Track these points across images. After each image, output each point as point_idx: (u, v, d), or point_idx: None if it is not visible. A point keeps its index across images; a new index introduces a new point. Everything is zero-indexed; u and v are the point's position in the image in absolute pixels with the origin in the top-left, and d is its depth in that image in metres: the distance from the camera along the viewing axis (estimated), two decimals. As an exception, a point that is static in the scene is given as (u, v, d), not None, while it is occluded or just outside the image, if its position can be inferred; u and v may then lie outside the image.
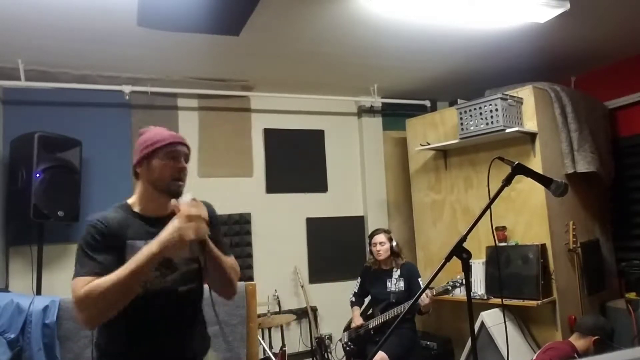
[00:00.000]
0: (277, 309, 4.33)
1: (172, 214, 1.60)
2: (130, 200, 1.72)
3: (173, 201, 1.66)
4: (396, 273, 3.63)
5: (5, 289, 3.49)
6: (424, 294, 3.23)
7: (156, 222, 1.64)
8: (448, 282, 3.37)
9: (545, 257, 3.52)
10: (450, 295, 3.93)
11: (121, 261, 1.53)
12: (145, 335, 1.65)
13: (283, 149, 4.67)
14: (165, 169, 1.66)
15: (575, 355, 2.76)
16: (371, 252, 3.74)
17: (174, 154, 1.68)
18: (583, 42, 3.83)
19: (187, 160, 1.74)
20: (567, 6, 2.97)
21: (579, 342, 2.82)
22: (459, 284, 3.37)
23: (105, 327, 1.64)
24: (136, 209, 1.69)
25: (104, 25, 3.02)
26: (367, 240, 4.00)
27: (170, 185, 1.66)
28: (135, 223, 1.65)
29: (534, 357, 2.88)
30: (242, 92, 4.47)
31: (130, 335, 1.64)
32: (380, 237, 3.65)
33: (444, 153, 4.28)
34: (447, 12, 3.10)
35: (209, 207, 1.80)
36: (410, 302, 3.38)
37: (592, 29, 3.58)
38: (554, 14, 3.06)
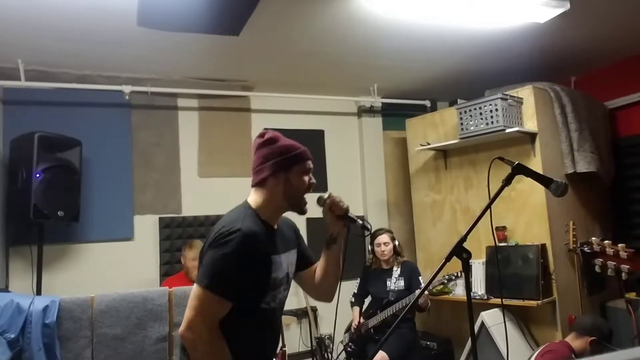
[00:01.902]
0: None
1: (278, 230, 1.66)
2: (255, 205, 1.63)
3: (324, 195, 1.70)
4: (396, 272, 3.64)
5: (5, 289, 3.49)
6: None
7: (272, 232, 1.64)
8: (444, 276, 3.37)
9: (545, 257, 3.52)
10: (450, 294, 3.95)
11: (267, 276, 1.55)
12: (265, 343, 1.66)
13: (283, 149, 4.66)
14: (304, 184, 1.65)
15: (573, 356, 2.76)
16: (372, 252, 3.74)
17: (310, 170, 1.68)
18: (583, 42, 3.83)
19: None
20: (567, 6, 2.97)
21: (575, 342, 2.81)
22: (454, 277, 3.37)
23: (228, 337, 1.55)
24: (263, 217, 1.62)
25: (104, 25, 3.02)
26: (367, 240, 4.00)
27: (303, 202, 1.67)
28: (267, 234, 1.60)
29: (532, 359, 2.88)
30: (242, 92, 4.47)
31: (253, 345, 1.61)
32: (384, 238, 3.66)
33: (444, 153, 4.28)
34: (447, 12, 3.10)
35: (292, 223, 1.85)
36: (408, 299, 3.40)
37: (592, 29, 3.58)
38: (554, 14, 3.06)
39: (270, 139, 1.67)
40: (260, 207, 1.62)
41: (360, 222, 1.73)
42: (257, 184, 1.65)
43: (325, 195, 1.72)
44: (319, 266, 1.85)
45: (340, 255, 1.77)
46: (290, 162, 1.62)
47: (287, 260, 1.69)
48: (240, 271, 1.48)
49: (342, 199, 1.70)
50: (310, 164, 1.68)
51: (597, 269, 1.72)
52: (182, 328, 1.48)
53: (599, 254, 1.70)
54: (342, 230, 1.77)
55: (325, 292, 1.84)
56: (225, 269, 1.47)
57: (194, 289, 1.49)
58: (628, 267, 1.70)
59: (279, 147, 1.65)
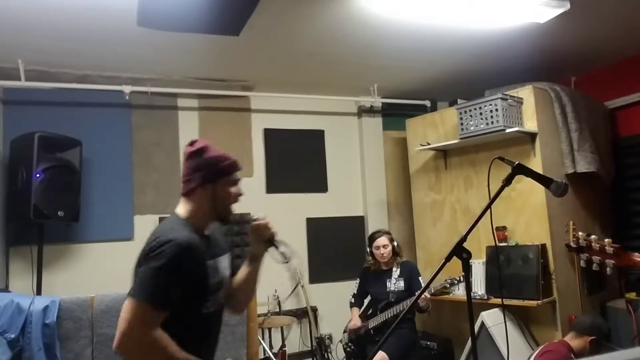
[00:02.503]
0: (277, 309, 4.33)
1: (209, 235, 1.71)
2: (183, 215, 1.67)
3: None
4: (395, 273, 3.64)
5: (5, 289, 3.49)
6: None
7: (204, 238, 1.68)
8: (446, 280, 3.37)
9: (545, 257, 3.52)
10: (450, 294, 3.95)
11: (205, 282, 1.58)
12: (203, 349, 1.68)
13: (283, 149, 4.67)
14: (230, 197, 1.70)
15: (572, 356, 2.76)
16: (371, 254, 3.73)
17: (237, 182, 1.72)
18: (583, 42, 3.83)
19: None
20: (567, 6, 2.97)
21: (574, 341, 2.81)
22: (456, 282, 3.38)
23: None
24: (194, 225, 1.66)
25: (104, 25, 3.02)
26: (366, 241, 4.00)
27: (229, 213, 1.72)
28: (200, 241, 1.63)
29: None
30: (242, 92, 4.47)
31: (192, 350, 1.61)
32: (383, 240, 3.65)
33: (444, 153, 4.28)
34: (447, 12, 3.10)
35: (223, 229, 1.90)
36: (409, 301, 3.40)
37: (592, 29, 3.58)
38: (554, 14, 3.06)
39: (200, 150, 1.69)
40: (190, 217, 1.66)
41: (281, 251, 1.76)
42: (185, 194, 1.69)
43: (256, 216, 1.79)
44: (237, 277, 1.88)
45: (258, 274, 1.83)
46: (219, 174, 1.67)
47: (221, 265, 1.73)
48: (178, 281, 1.50)
49: (271, 224, 1.76)
50: (238, 175, 1.74)
51: (582, 263, 1.73)
52: (116, 343, 1.48)
53: (585, 248, 1.71)
54: (264, 252, 1.81)
55: (236, 304, 1.87)
56: (162, 281, 1.48)
57: (128, 303, 1.48)
58: (613, 262, 1.71)
59: (207, 158, 1.68)
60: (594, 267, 1.72)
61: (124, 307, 1.48)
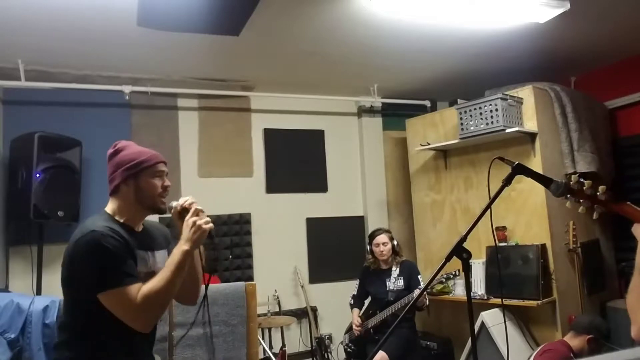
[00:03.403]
0: (277, 309, 4.33)
1: (144, 231, 1.75)
2: (110, 212, 1.73)
3: (172, 203, 1.77)
4: (395, 272, 3.64)
5: (5, 289, 3.49)
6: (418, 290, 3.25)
7: (134, 234, 1.70)
8: (442, 275, 3.37)
9: (545, 257, 3.52)
10: (450, 294, 3.95)
11: (132, 266, 1.61)
12: (135, 341, 1.65)
13: (283, 149, 4.67)
14: (154, 188, 1.74)
15: (572, 355, 2.76)
16: (371, 252, 3.73)
17: (160, 174, 1.77)
18: (583, 42, 3.83)
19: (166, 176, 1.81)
20: (567, 6, 2.97)
21: (574, 341, 2.82)
22: (452, 276, 3.37)
23: (87, 340, 1.59)
24: (121, 220, 1.70)
25: (104, 25, 3.02)
26: (367, 240, 4.00)
27: (158, 203, 1.75)
28: (126, 233, 1.66)
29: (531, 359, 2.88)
30: (242, 92, 4.47)
31: (122, 348, 1.63)
32: (383, 238, 3.66)
33: (444, 153, 4.28)
34: (447, 12, 3.10)
35: (165, 230, 1.95)
36: (406, 299, 3.40)
37: (592, 29, 3.58)
38: (554, 14, 3.06)
39: (119, 149, 1.76)
40: (116, 213, 1.72)
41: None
42: (111, 193, 1.76)
43: (177, 202, 1.78)
44: None
45: (198, 260, 1.80)
46: (138, 168, 1.71)
47: (154, 258, 1.75)
48: (114, 259, 1.54)
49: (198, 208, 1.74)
50: (161, 166, 1.77)
51: (568, 205, 1.71)
52: (140, 327, 1.56)
53: (576, 191, 1.68)
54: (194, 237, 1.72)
55: (184, 294, 1.83)
56: (103, 262, 1.53)
57: (105, 299, 1.52)
58: (602, 207, 1.69)
59: (126, 155, 1.74)
60: (580, 210, 1.71)
61: (110, 303, 1.52)
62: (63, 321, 1.67)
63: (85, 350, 1.59)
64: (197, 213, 1.71)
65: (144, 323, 1.57)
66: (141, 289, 1.54)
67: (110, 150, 1.78)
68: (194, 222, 1.66)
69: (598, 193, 1.62)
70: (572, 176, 1.70)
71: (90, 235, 1.55)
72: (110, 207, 1.75)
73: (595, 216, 1.72)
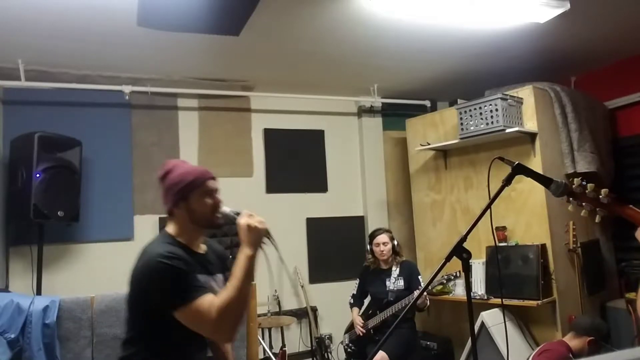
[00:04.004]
0: (277, 309, 4.33)
1: (204, 254, 1.79)
2: (173, 233, 1.74)
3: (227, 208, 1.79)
4: (395, 272, 3.64)
5: (5, 289, 3.49)
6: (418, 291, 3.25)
7: (196, 255, 1.73)
8: (443, 277, 3.37)
9: (545, 257, 3.52)
10: (450, 294, 3.95)
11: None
12: (195, 347, 1.74)
13: (283, 149, 4.67)
14: (206, 207, 1.73)
15: (570, 356, 2.76)
16: (371, 252, 3.73)
17: (210, 191, 1.76)
18: (583, 42, 3.83)
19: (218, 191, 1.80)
20: (567, 6, 2.97)
21: (573, 341, 2.82)
22: (453, 277, 3.37)
23: (156, 342, 1.65)
24: (181, 241, 1.72)
25: (104, 25, 3.02)
26: (367, 240, 4.00)
27: (213, 220, 1.75)
28: (187, 256, 1.67)
29: (530, 359, 2.88)
30: (242, 92, 4.47)
31: (186, 348, 1.70)
32: (383, 237, 3.66)
33: (444, 153, 4.28)
34: (447, 12, 3.10)
35: (222, 251, 1.98)
36: (407, 299, 3.40)
37: (592, 29, 3.58)
38: (554, 14, 3.06)
39: (166, 172, 1.75)
40: (177, 234, 1.73)
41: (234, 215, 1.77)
42: (168, 215, 1.77)
43: (229, 210, 1.79)
44: None
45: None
46: (186, 191, 1.71)
47: (212, 283, 1.76)
48: (181, 277, 1.58)
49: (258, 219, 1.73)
50: (210, 184, 1.76)
51: (570, 208, 1.70)
52: (226, 339, 1.69)
53: (578, 194, 1.68)
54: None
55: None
56: (173, 282, 1.56)
57: (181, 316, 1.55)
58: (605, 211, 1.68)
59: (173, 178, 1.73)
60: (582, 213, 1.70)
61: (187, 318, 1.56)
62: (129, 337, 1.71)
63: None
64: (249, 215, 1.72)
65: (224, 334, 1.61)
66: (215, 301, 1.56)
67: (160, 173, 1.77)
68: (248, 224, 1.67)
69: (600, 196, 1.62)
70: (575, 179, 1.70)
71: (155, 260, 1.57)
72: (170, 227, 1.76)
73: (597, 219, 1.72)
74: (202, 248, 1.80)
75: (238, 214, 1.74)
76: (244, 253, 1.64)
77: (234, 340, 1.66)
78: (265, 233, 1.71)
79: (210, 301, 1.55)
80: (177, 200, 1.71)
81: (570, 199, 1.68)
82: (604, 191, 1.66)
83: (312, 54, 3.75)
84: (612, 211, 1.70)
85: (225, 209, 1.78)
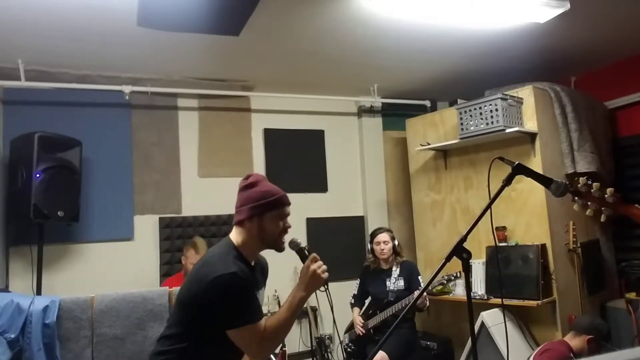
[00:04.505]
0: (277, 309, 4.33)
1: (256, 268, 1.85)
2: (237, 244, 1.78)
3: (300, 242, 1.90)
4: (395, 272, 3.64)
5: (5, 289, 3.49)
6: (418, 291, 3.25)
7: (252, 270, 1.79)
8: (443, 277, 3.37)
9: (545, 257, 3.52)
10: (450, 294, 3.95)
11: (259, 308, 1.75)
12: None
13: (283, 149, 4.67)
14: (277, 229, 1.81)
15: (571, 355, 2.76)
16: (372, 251, 3.73)
17: (285, 216, 1.83)
18: (583, 42, 3.83)
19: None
20: (567, 6, 2.97)
21: (574, 341, 2.82)
22: (453, 277, 3.37)
23: (195, 348, 1.70)
24: (243, 254, 1.77)
25: (104, 25, 3.02)
26: (367, 240, 4.00)
27: (279, 243, 1.83)
28: (249, 273, 1.74)
29: (531, 359, 2.88)
30: (242, 92, 4.47)
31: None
32: (384, 236, 3.66)
33: (444, 153, 4.28)
34: (447, 12, 3.10)
35: (264, 263, 2.04)
36: (407, 299, 3.40)
37: (592, 29, 3.58)
38: (554, 14, 3.06)
39: (250, 184, 1.82)
40: (241, 246, 1.78)
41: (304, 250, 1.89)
42: (236, 224, 1.81)
43: (299, 242, 1.88)
44: None
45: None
46: (265, 209, 1.77)
47: (260, 296, 1.86)
48: (248, 299, 1.68)
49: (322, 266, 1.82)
50: (287, 209, 1.84)
51: (575, 207, 1.71)
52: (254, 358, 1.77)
53: (583, 194, 1.68)
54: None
55: None
56: (240, 302, 1.65)
57: (235, 334, 1.64)
58: (610, 210, 1.69)
59: (257, 192, 1.79)
60: (588, 212, 1.71)
61: (239, 338, 1.66)
62: (171, 334, 1.74)
63: None
64: (316, 260, 1.80)
65: (263, 356, 1.75)
66: (265, 328, 1.67)
67: (244, 183, 1.83)
68: (315, 271, 1.76)
69: (606, 195, 1.63)
70: (580, 178, 1.70)
71: (229, 276, 1.62)
72: (235, 237, 1.80)
73: (602, 219, 1.72)
74: (254, 261, 1.86)
75: (308, 251, 1.84)
76: (299, 293, 1.74)
77: None
78: (325, 283, 1.79)
79: (262, 327, 1.67)
80: (252, 215, 1.76)
81: (576, 198, 1.68)
82: (609, 190, 1.66)
83: (312, 54, 3.75)
84: (618, 210, 1.71)
85: (298, 240, 1.87)
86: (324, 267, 1.79)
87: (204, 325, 1.66)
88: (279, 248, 1.84)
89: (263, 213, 1.76)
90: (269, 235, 1.78)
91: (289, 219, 1.86)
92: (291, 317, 1.72)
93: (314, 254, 1.82)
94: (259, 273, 1.91)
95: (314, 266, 1.77)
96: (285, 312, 1.72)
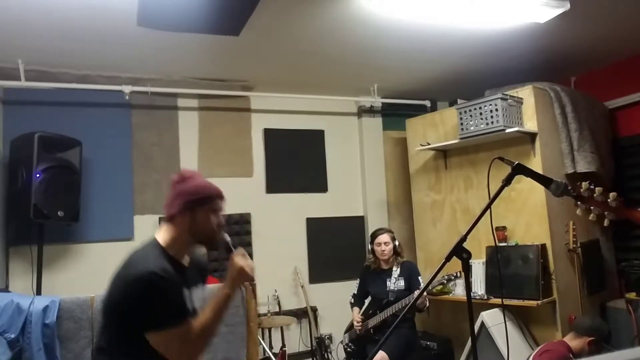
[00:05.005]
0: (277, 309, 4.33)
1: (189, 267, 1.74)
2: (162, 241, 1.69)
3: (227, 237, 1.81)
4: (396, 272, 3.64)
5: (5, 289, 3.49)
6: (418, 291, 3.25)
7: (181, 269, 1.70)
8: (443, 277, 3.38)
9: (545, 257, 3.52)
10: (450, 294, 3.95)
11: (186, 307, 1.64)
12: None
13: (283, 149, 4.67)
14: (209, 224, 1.72)
15: (571, 356, 2.76)
16: (372, 251, 3.73)
17: (218, 210, 1.75)
18: (583, 42, 3.83)
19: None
20: (567, 6, 2.97)
21: (574, 342, 2.82)
22: (453, 277, 3.38)
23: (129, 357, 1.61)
24: (170, 252, 1.68)
25: (104, 25, 3.02)
26: (367, 240, 4.00)
27: (211, 239, 1.74)
28: (175, 272, 1.64)
29: (530, 359, 2.88)
30: (242, 92, 4.47)
31: None
32: (385, 237, 3.66)
33: (444, 153, 4.28)
34: (447, 12, 3.10)
35: (202, 259, 1.94)
36: (407, 299, 3.40)
37: (592, 29, 3.58)
38: (554, 14, 3.06)
39: (182, 178, 1.73)
40: (169, 244, 1.68)
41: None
42: (166, 219, 1.72)
43: (228, 238, 1.82)
44: None
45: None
46: (197, 202, 1.69)
47: (194, 296, 1.75)
48: (168, 301, 1.56)
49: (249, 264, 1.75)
50: (220, 203, 1.76)
51: (578, 212, 1.71)
52: None
53: (586, 198, 1.69)
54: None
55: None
56: (159, 303, 1.53)
57: (154, 338, 1.53)
58: (613, 214, 1.69)
59: (189, 186, 1.71)
60: (591, 217, 1.71)
61: (157, 342, 1.54)
62: (101, 347, 1.67)
63: None
64: (242, 256, 1.73)
65: (196, 358, 1.62)
66: (194, 328, 1.58)
67: (176, 178, 1.75)
68: (242, 268, 1.70)
69: (609, 200, 1.63)
70: (583, 183, 1.70)
71: (147, 276, 1.52)
72: (162, 235, 1.70)
73: (606, 223, 1.72)
74: (187, 260, 1.76)
75: (234, 246, 1.77)
76: (225, 291, 1.67)
77: None
78: (251, 280, 1.74)
79: (185, 330, 1.56)
80: (184, 209, 1.68)
81: (579, 202, 1.69)
82: (612, 195, 1.67)
83: (312, 54, 3.75)
84: (621, 214, 1.71)
85: (227, 237, 1.80)
86: (252, 263, 1.73)
87: (129, 334, 1.55)
88: (214, 245, 1.76)
89: (196, 207, 1.68)
90: (201, 230, 1.69)
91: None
92: (216, 317, 1.64)
93: (242, 250, 1.76)
94: (195, 271, 1.81)
95: (241, 262, 1.70)
96: (210, 312, 1.63)
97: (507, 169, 1.71)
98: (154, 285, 1.51)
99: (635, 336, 3.43)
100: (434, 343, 4.02)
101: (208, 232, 1.71)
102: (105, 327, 1.66)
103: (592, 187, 1.69)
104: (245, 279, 1.71)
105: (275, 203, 4.58)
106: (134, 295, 1.52)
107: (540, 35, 3.58)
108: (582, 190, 1.68)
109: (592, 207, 1.71)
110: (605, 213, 1.70)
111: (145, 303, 1.52)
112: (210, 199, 1.72)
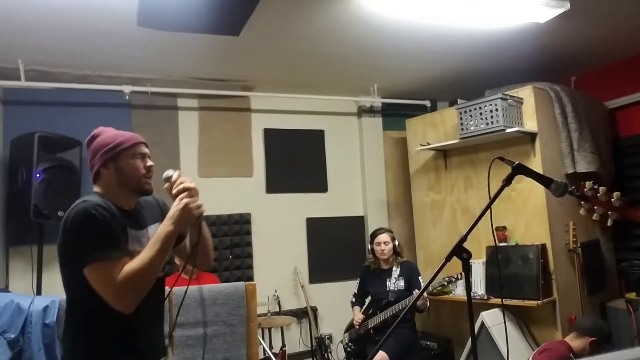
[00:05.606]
0: (277, 309, 4.33)
1: (136, 209, 1.73)
2: (100, 191, 1.69)
3: (169, 172, 1.73)
4: (396, 272, 3.64)
5: (5, 289, 3.49)
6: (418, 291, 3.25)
7: (125, 213, 1.68)
8: (444, 278, 3.38)
9: (545, 257, 3.52)
10: (450, 294, 3.95)
11: (124, 245, 1.59)
12: (136, 331, 1.64)
13: (283, 149, 4.67)
14: (136, 169, 1.70)
15: (571, 356, 2.76)
16: (372, 251, 3.74)
17: (141, 155, 1.73)
18: (583, 42, 3.83)
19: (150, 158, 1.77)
20: (567, 6, 2.96)
21: (575, 342, 2.82)
22: (454, 279, 3.38)
23: (87, 328, 1.59)
24: (111, 201, 1.66)
25: (104, 25, 3.02)
26: (367, 240, 4.00)
27: (143, 184, 1.71)
28: (118, 210, 1.64)
29: (530, 358, 2.88)
30: (242, 92, 4.47)
31: (122, 334, 1.61)
32: (385, 237, 3.66)
33: (444, 153, 4.28)
34: (447, 12, 3.10)
35: (160, 201, 1.90)
36: (407, 300, 3.40)
37: (592, 29, 3.58)
38: (554, 14, 3.06)
39: (95, 134, 1.72)
40: (103, 195, 1.67)
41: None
42: (94, 180, 1.71)
43: (172, 172, 1.75)
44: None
45: (207, 230, 1.82)
46: (116, 151, 1.67)
47: (147, 234, 1.72)
48: (102, 231, 1.53)
49: (186, 182, 1.70)
50: (141, 148, 1.73)
51: (581, 212, 1.71)
52: (122, 307, 1.51)
53: (589, 198, 1.69)
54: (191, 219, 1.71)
55: (199, 260, 1.83)
56: (92, 236, 1.51)
57: (89, 272, 1.51)
58: (617, 214, 1.69)
59: (103, 139, 1.69)
60: (594, 217, 1.71)
61: (93, 277, 1.50)
62: (65, 311, 1.65)
63: (85, 336, 1.59)
64: (192, 195, 1.66)
65: (125, 303, 1.52)
66: (123, 268, 1.51)
67: (88, 138, 1.73)
68: (186, 203, 1.62)
69: (612, 199, 1.63)
70: (587, 183, 1.70)
71: (81, 205, 1.54)
72: (97, 189, 1.70)
73: (609, 223, 1.72)
74: (132, 205, 1.74)
75: (172, 177, 1.71)
76: (166, 227, 1.59)
77: (130, 311, 1.53)
78: (197, 219, 1.68)
79: (113, 264, 1.50)
80: (105, 161, 1.66)
81: (582, 202, 1.69)
82: (616, 194, 1.67)
83: (312, 54, 3.75)
84: (624, 214, 1.71)
85: (170, 172, 1.73)
86: (199, 201, 1.66)
87: (77, 281, 1.52)
88: (145, 190, 1.71)
89: (117, 156, 1.66)
90: (129, 178, 1.67)
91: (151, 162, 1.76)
92: (155, 254, 1.54)
93: (189, 185, 1.67)
94: (145, 210, 1.78)
95: (186, 199, 1.63)
96: (148, 249, 1.56)
97: (507, 169, 1.70)
98: (89, 216, 1.51)
99: (635, 336, 3.43)
100: (434, 343, 4.02)
101: (136, 177, 1.69)
102: (66, 283, 1.63)
103: (595, 186, 1.68)
104: (190, 217, 1.63)
105: (275, 203, 4.58)
106: (70, 229, 1.53)
107: (540, 35, 3.58)
108: (585, 189, 1.68)
109: (595, 207, 1.70)
110: (609, 213, 1.70)
111: (81, 235, 1.52)
112: (130, 144, 1.70)
